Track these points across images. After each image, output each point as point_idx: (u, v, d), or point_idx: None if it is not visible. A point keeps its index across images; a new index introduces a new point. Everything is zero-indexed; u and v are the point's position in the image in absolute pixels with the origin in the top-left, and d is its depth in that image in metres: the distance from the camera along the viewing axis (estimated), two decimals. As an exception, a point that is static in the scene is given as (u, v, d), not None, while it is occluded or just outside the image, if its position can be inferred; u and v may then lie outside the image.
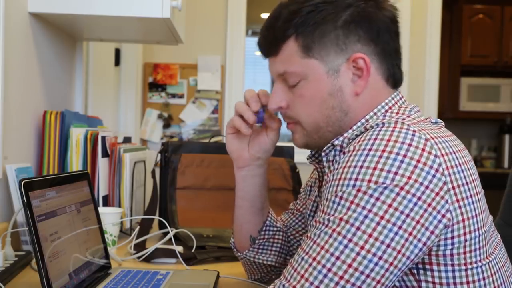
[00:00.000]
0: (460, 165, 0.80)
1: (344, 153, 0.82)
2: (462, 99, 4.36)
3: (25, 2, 1.38)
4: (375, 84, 0.89)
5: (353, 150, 0.79)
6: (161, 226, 1.55)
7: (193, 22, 3.15)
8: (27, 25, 1.41)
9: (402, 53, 0.94)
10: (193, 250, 1.33)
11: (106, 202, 1.51)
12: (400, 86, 0.94)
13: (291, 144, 1.78)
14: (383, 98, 0.90)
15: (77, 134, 1.47)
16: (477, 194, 0.82)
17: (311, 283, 0.75)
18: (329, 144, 0.90)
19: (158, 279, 1.07)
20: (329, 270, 0.75)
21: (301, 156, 2.62)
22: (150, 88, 3.20)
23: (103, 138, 1.50)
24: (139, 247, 1.34)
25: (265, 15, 5.63)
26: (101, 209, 1.30)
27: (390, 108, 0.89)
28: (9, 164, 1.28)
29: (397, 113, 0.88)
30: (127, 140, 1.70)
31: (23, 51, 1.40)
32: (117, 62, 2.94)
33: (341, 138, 0.88)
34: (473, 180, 0.82)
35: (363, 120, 0.89)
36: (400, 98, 0.92)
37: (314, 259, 0.76)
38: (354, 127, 0.89)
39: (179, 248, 1.28)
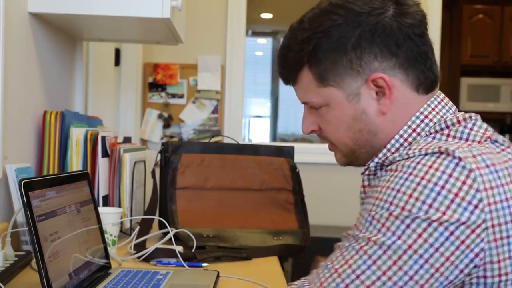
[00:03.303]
0: (507, 200, 0.74)
1: (386, 171, 0.81)
2: (462, 99, 4.36)
3: (25, 2, 1.38)
4: (403, 97, 0.85)
5: (395, 171, 0.77)
6: (161, 226, 1.55)
7: (193, 22, 3.15)
8: (27, 25, 1.41)
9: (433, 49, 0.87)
10: (193, 250, 1.33)
11: (106, 202, 1.51)
12: (436, 87, 0.88)
13: (291, 144, 1.78)
14: (415, 109, 0.85)
15: (77, 134, 1.47)
16: None
17: None
18: (366, 167, 0.89)
19: (158, 279, 1.07)
20: (347, 286, 0.74)
21: (301, 156, 2.62)
22: (150, 88, 3.20)
23: (103, 138, 1.50)
24: (139, 247, 1.34)
25: (265, 15, 5.62)
26: (101, 209, 1.30)
27: (426, 117, 0.85)
28: (9, 164, 1.28)
29: (448, 136, 0.82)
30: (127, 140, 1.70)
31: (23, 51, 1.40)
32: (117, 62, 2.94)
33: (376, 160, 0.87)
34: None
35: (397, 137, 0.86)
36: (439, 102, 0.86)
37: (336, 270, 0.76)
38: (389, 146, 0.86)
39: (179, 248, 1.28)
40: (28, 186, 0.86)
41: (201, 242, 1.39)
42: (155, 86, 3.20)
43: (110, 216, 1.31)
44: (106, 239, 1.23)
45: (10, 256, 1.14)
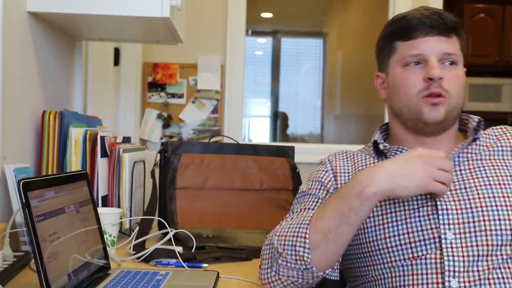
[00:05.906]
0: None
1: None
2: (462, 99, 4.36)
3: (24, 1, 1.38)
4: None
5: None
6: (161, 226, 1.55)
7: (193, 22, 3.15)
8: (26, 25, 1.40)
9: None
10: (192, 251, 1.32)
11: (105, 202, 1.50)
12: None
13: (291, 144, 1.78)
14: None
15: (76, 134, 1.46)
16: None
17: None
18: (477, 122, 1.12)
19: (158, 279, 1.06)
20: None
21: (301, 156, 2.61)
22: (150, 88, 3.20)
23: (102, 138, 1.50)
24: (139, 247, 1.33)
25: (265, 15, 5.61)
26: (100, 210, 1.30)
27: None
28: (8, 164, 1.28)
29: None
30: (126, 140, 1.69)
31: (22, 50, 1.39)
32: (116, 61, 2.93)
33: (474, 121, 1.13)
34: None
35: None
36: None
37: None
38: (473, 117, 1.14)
39: (178, 249, 1.28)
40: (27, 186, 0.86)
41: (201, 243, 1.39)
42: (154, 86, 3.20)
43: (109, 217, 1.30)
44: (106, 240, 1.23)
45: (9, 256, 1.13)
